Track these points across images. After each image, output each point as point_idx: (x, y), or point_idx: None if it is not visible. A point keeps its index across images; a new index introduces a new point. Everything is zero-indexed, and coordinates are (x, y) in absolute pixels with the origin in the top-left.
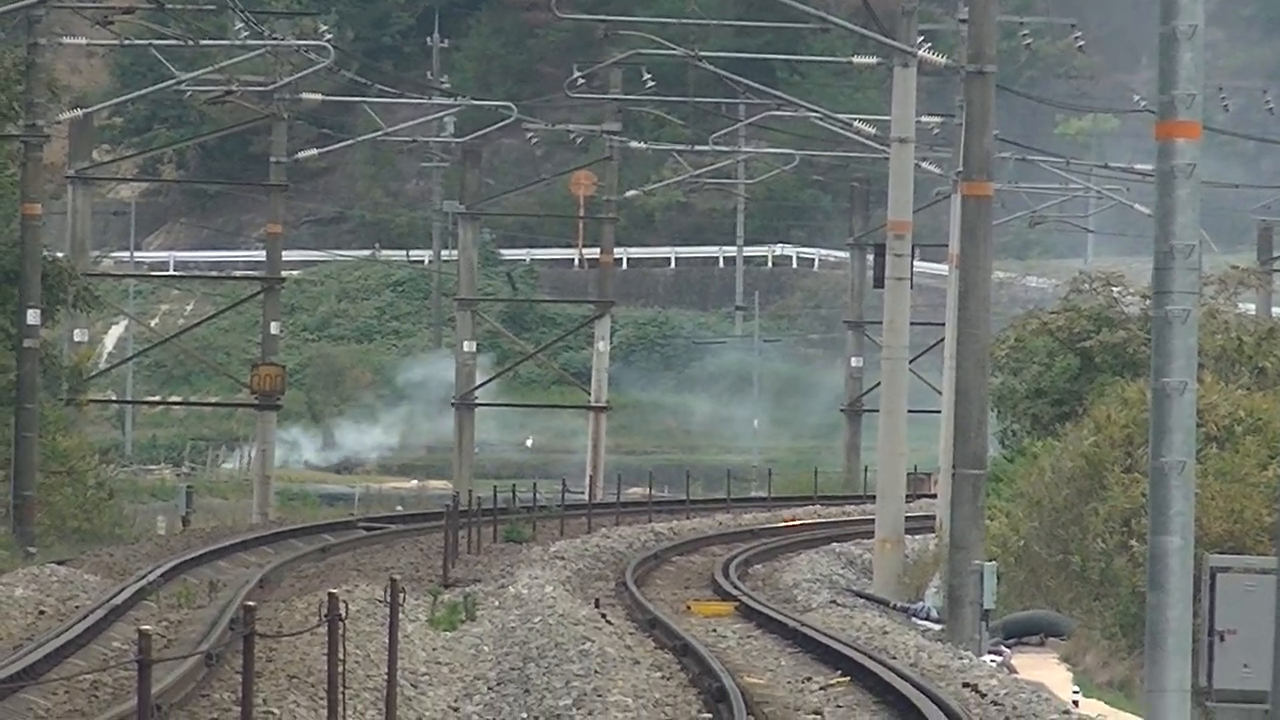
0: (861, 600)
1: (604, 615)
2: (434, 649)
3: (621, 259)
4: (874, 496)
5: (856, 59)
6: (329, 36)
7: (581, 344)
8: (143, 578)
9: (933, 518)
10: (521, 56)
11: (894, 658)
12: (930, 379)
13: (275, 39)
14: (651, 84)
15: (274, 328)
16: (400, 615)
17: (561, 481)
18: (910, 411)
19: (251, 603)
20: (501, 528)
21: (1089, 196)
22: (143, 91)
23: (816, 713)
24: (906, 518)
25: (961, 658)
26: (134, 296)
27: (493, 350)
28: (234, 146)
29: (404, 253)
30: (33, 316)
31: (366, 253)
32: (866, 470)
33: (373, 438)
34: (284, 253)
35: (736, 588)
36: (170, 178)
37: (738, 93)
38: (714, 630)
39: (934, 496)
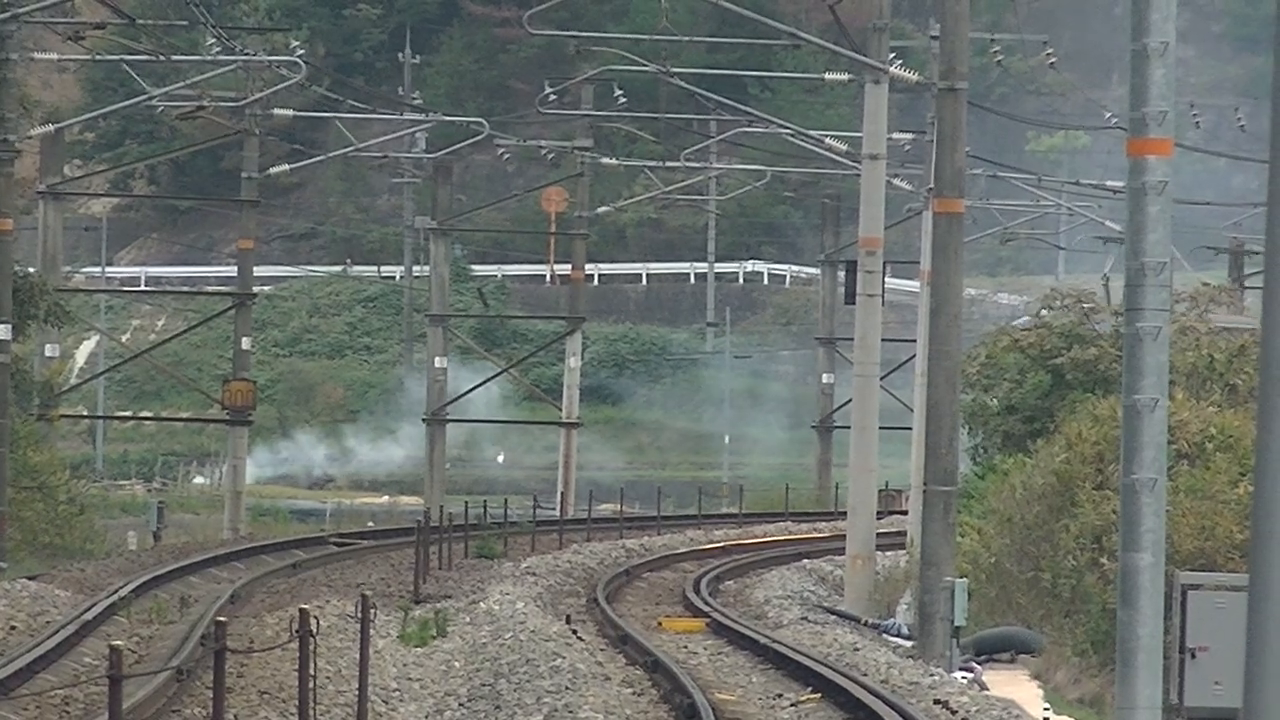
0: (833, 617)
1: (575, 631)
2: (405, 665)
3: (593, 275)
4: (845, 513)
5: (828, 75)
6: (300, 52)
7: (553, 360)
8: (114, 593)
9: (904, 534)
10: (493, 72)
11: (865, 674)
12: (902, 395)
13: (247, 54)
14: (623, 100)
15: (245, 343)
16: (371, 631)
17: (533, 498)
18: (881, 428)
19: (223, 618)
20: (473, 544)
21: (1060, 213)
22: (114, 107)
23: None
24: (878, 534)
25: (932, 674)
26: (105, 312)
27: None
28: (205, 162)
29: (375, 268)
30: (4, 331)
31: (338, 268)
32: (838, 487)
33: (388, 451)
34: (255, 268)
35: (708, 604)
36: (142, 193)
37: (709, 109)
38: (685, 646)
39: (905, 513)
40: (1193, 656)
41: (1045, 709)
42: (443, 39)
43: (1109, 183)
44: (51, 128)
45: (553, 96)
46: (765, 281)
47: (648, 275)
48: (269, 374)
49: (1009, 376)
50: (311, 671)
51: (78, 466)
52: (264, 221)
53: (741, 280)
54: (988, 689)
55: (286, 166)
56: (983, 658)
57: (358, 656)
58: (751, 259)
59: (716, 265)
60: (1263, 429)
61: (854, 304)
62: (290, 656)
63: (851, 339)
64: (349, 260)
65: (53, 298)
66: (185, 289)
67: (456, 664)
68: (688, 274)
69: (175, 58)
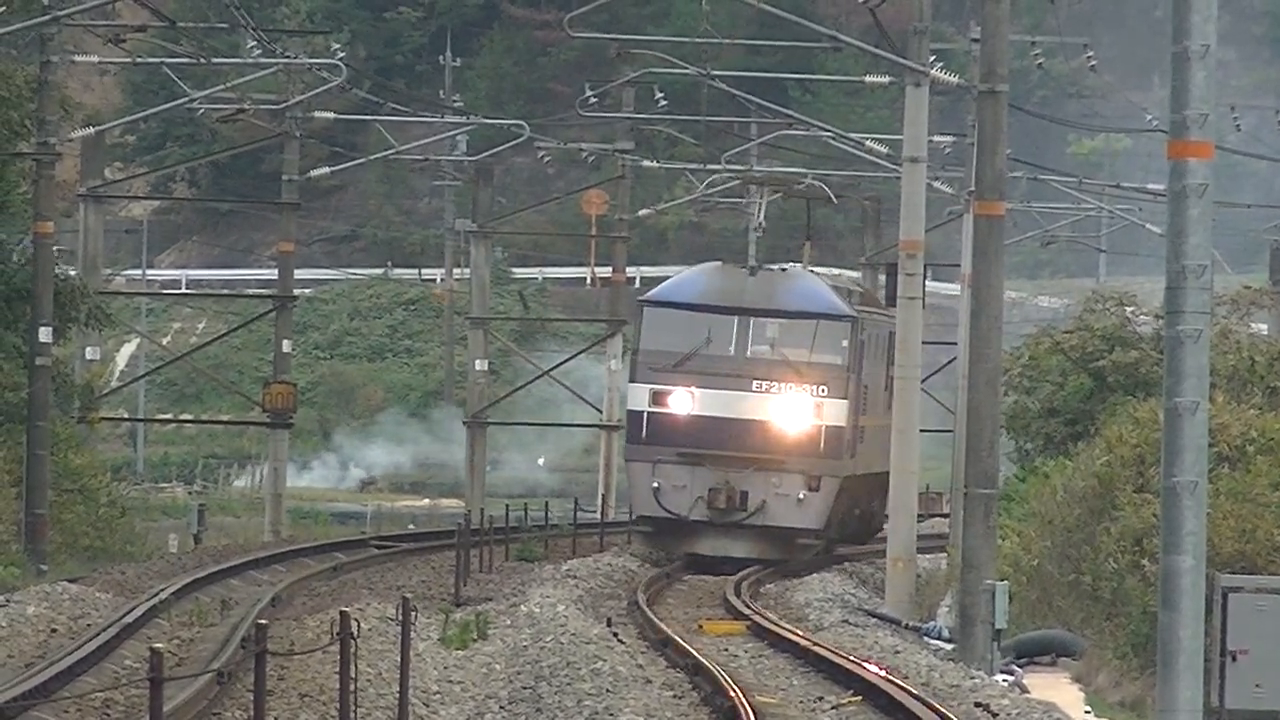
0: (873, 619)
1: (616, 634)
2: (446, 668)
3: (634, 277)
4: (886, 515)
5: (869, 78)
6: (341, 55)
7: (594, 363)
8: (154, 596)
9: (944, 537)
10: (534, 75)
11: (906, 677)
12: (942, 398)
13: (287, 57)
14: (664, 103)
15: (286, 346)
16: (412, 634)
17: (574, 501)
18: (922, 430)
19: (263, 621)
20: (514, 546)
21: (1101, 216)
22: (155, 110)
23: None
24: (918, 537)
25: (973, 677)
26: (146, 314)
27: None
28: (246, 165)
29: (416, 271)
30: (45, 334)
31: (378, 271)
32: None
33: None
34: (296, 271)
35: (748, 607)
36: (182, 196)
37: (750, 112)
38: (726, 649)
39: (946, 516)
40: (1233, 659)
41: (1086, 712)
42: (483, 42)
43: (1150, 185)
44: (92, 130)
45: (593, 99)
46: None
47: None
48: (309, 376)
49: (1050, 379)
50: (352, 674)
51: (118, 469)
52: (304, 224)
53: None
54: (1029, 692)
55: (327, 169)
56: (1024, 660)
57: (398, 659)
58: (792, 262)
59: None
60: None
61: (894, 306)
62: (331, 659)
63: None
64: (389, 263)
65: (93, 300)
66: (226, 292)
67: (497, 667)
68: None
69: (216, 60)
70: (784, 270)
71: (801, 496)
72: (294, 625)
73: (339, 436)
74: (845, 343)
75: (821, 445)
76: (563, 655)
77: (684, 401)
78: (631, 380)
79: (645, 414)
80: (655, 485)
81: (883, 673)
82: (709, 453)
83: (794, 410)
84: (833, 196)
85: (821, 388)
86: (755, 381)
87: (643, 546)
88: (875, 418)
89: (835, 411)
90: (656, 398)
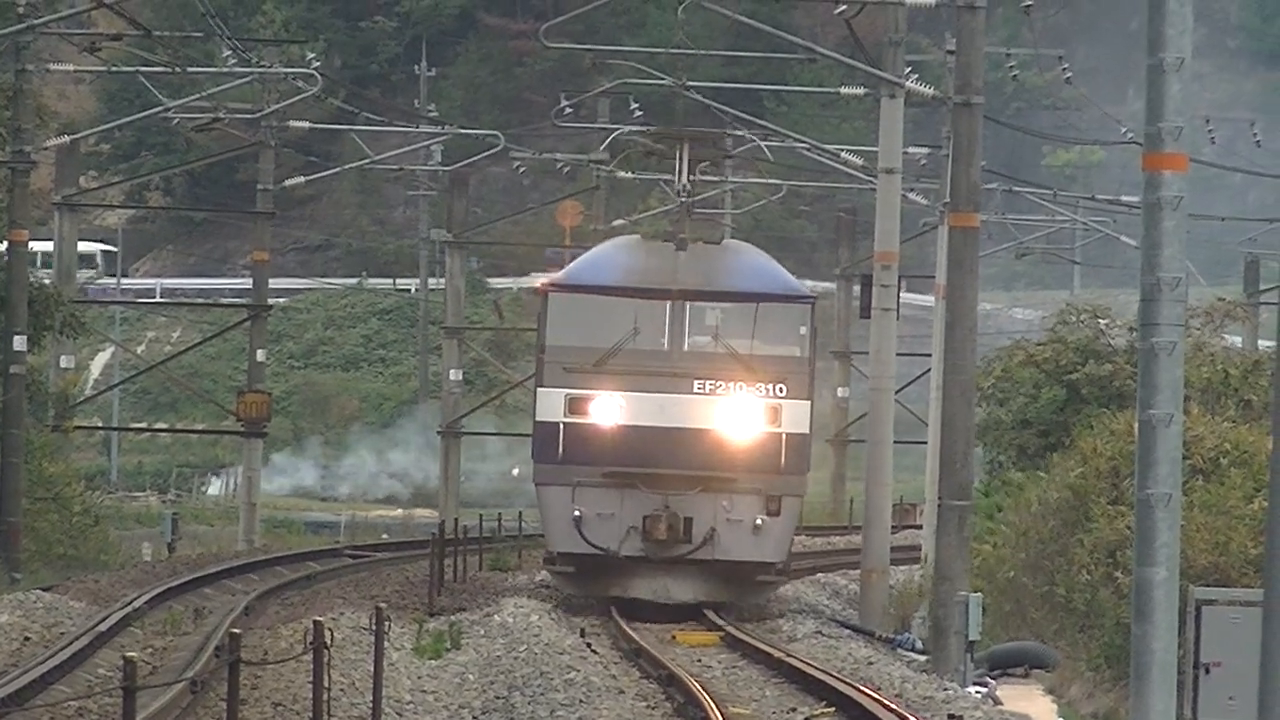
0: (847, 631)
1: (589, 644)
2: (419, 677)
3: None
4: (859, 527)
5: (844, 89)
6: (316, 64)
7: None
8: (128, 604)
9: (918, 548)
10: (509, 85)
11: (879, 688)
12: (916, 409)
13: (263, 66)
14: (639, 113)
15: (260, 355)
16: (385, 643)
17: None
18: (896, 442)
19: (237, 630)
20: (487, 556)
21: (1076, 228)
22: (130, 118)
23: None
24: (892, 548)
25: (946, 689)
26: (120, 323)
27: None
28: (221, 174)
29: (390, 281)
30: (19, 343)
31: (353, 280)
32: (852, 501)
33: None
34: (270, 280)
35: (722, 618)
36: (157, 204)
37: (725, 122)
38: (699, 660)
39: (919, 527)
40: (1207, 672)
41: None
42: (459, 51)
43: (1124, 198)
44: (67, 139)
45: (569, 109)
46: None
47: None
48: (284, 386)
49: (1024, 391)
50: (326, 684)
51: (92, 478)
52: (279, 233)
53: None
54: (1002, 704)
55: (302, 179)
56: (997, 672)
57: (372, 669)
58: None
59: None
60: (1278, 444)
61: (869, 318)
62: (304, 668)
63: (866, 353)
64: (364, 272)
65: (68, 309)
66: (200, 301)
67: (471, 677)
68: None
69: (191, 69)
70: (720, 244)
71: (759, 522)
72: (267, 634)
73: (361, 444)
74: (804, 330)
75: (782, 459)
76: (536, 665)
77: (609, 409)
78: (539, 385)
79: (560, 426)
80: (576, 514)
81: (882, 698)
82: (642, 472)
83: (746, 415)
84: (768, 154)
85: (779, 386)
86: (696, 381)
87: (561, 591)
88: None
89: (796, 415)
90: (574, 405)
